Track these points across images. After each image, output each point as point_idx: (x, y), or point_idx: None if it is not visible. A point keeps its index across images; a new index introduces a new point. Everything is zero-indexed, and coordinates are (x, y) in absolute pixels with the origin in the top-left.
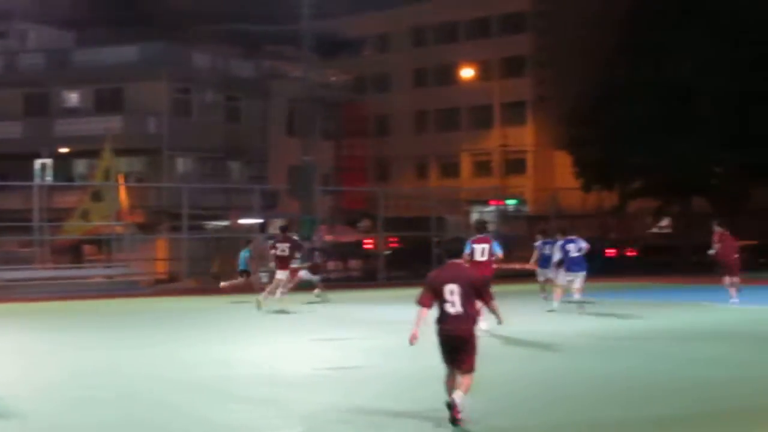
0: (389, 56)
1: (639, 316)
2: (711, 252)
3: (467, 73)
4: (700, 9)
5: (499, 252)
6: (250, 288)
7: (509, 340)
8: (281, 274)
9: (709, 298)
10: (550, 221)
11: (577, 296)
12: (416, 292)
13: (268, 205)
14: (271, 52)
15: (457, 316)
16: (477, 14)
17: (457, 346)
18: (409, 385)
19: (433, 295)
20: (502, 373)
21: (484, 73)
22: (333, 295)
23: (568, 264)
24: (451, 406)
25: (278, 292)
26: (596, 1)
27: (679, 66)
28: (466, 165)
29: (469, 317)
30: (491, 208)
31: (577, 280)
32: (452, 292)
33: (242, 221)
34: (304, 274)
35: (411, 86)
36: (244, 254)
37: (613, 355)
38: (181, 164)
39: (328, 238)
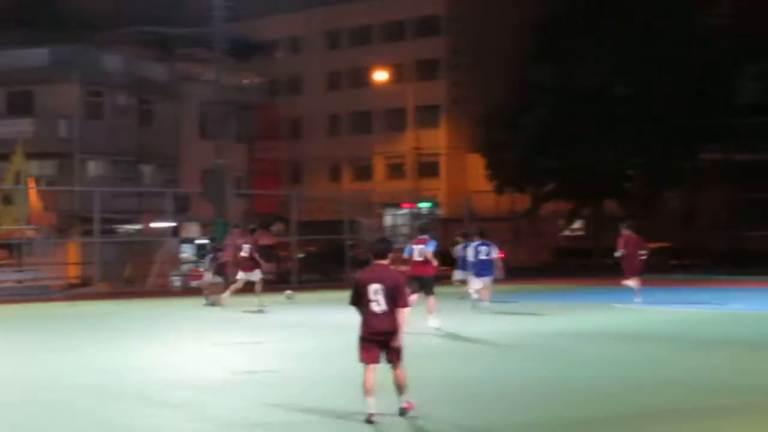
0: (303, 59)
1: (551, 318)
2: (617, 254)
3: (381, 76)
4: (614, 13)
5: (428, 250)
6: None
7: (436, 342)
8: (245, 275)
9: (620, 299)
10: (465, 224)
11: (475, 296)
12: (330, 295)
13: (181, 209)
14: (183, 55)
15: (382, 315)
16: (391, 17)
17: (385, 343)
18: (322, 388)
19: (360, 295)
20: (434, 374)
21: (398, 76)
22: (246, 298)
23: (476, 267)
24: (403, 411)
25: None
26: (510, 5)
27: (593, 70)
28: (379, 168)
29: (394, 314)
30: (404, 210)
31: (482, 283)
32: (376, 292)
33: (154, 225)
34: (209, 276)
35: (324, 89)
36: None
37: (536, 357)
38: (93, 167)
39: (240, 241)
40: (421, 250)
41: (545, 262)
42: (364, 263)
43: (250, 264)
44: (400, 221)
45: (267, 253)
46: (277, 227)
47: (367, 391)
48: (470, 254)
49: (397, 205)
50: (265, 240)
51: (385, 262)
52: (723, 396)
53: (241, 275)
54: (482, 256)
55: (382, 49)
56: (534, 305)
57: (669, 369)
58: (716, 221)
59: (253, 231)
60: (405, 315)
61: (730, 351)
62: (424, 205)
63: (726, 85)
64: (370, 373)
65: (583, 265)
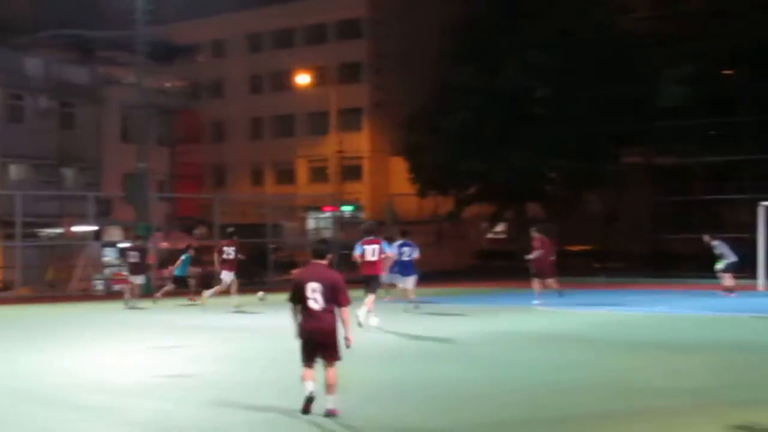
0: (225, 62)
1: (474, 320)
2: (530, 257)
3: (303, 79)
4: (533, 15)
5: (388, 250)
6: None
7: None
8: (227, 276)
9: (544, 302)
10: (388, 227)
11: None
12: (250, 299)
13: (103, 213)
14: (105, 58)
15: (319, 312)
16: (313, 20)
17: (322, 341)
18: (242, 391)
19: (298, 293)
20: (358, 376)
21: (320, 80)
22: (170, 302)
23: (399, 267)
24: (330, 413)
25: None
26: (431, 9)
27: (513, 72)
28: (302, 171)
29: (331, 313)
30: (327, 214)
31: (408, 282)
32: (314, 290)
33: (76, 229)
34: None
35: (247, 92)
36: (185, 259)
37: (459, 359)
38: (15, 171)
39: (164, 245)
40: (374, 250)
41: (468, 264)
42: (286, 266)
43: (229, 265)
44: (322, 224)
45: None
46: (199, 231)
47: (306, 379)
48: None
49: (320, 209)
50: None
51: (323, 262)
52: (645, 398)
53: (225, 275)
54: (405, 257)
55: (304, 53)
56: (457, 308)
57: (591, 371)
58: (638, 224)
59: (230, 234)
60: (347, 313)
61: (653, 353)
62: (347, 209)
63: (648, 89)
64: (308, 371)
65: (506, 267)
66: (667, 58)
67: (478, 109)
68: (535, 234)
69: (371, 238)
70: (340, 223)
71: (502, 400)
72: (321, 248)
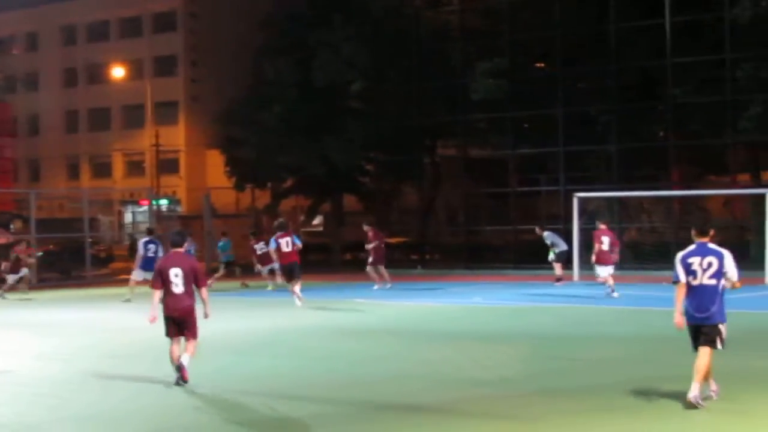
0: (38, 55)
1: (287, 314)
2: (368, 247)
3: (118, 72)
4: (345, 11)
5: (299, 242)
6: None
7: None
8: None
9: (363, 295)
10: (206, 221)
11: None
12: (70, 293)
13: None
14: None
15: (181, 295)
16: (128, 13)
17: (183, 319)
18: (65, 388)
19: (161, 279)
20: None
21: (136, 73)
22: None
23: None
24: (180, 368)
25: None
26: (246, 2)
27: (326, 65)
28: (118, 165)
29: (191, 295)
30: (143, 208)
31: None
32: (176, 275)
33: None
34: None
35: (61, 85)
36: (224, 246)
37: (270, 353)
38: None
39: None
40: (288, 242)
41: None
42: (103, 261)
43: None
44: (139, 218)
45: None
46: (15, 226)
47: (174, 359)
48: (140, 250)
49: (136, 202)
50: (2, 239)
51: (181, 250)
52: (459, 389)
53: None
54: (150, 254)
55: (119, 45)
56: (273, 301)
57: (406, 363)
58: (453, 216)
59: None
60: (206, 292)
61: (467, 344)
62: (163, 202)
63: (461, 82)
64: (175, 346)
65: (323, 261)
66: (478, 51)
67: (294, 102)
68: (366, 226)
69: (284, 232)
70: (157, 216)
71: (316, 393)
72: (178, 238)
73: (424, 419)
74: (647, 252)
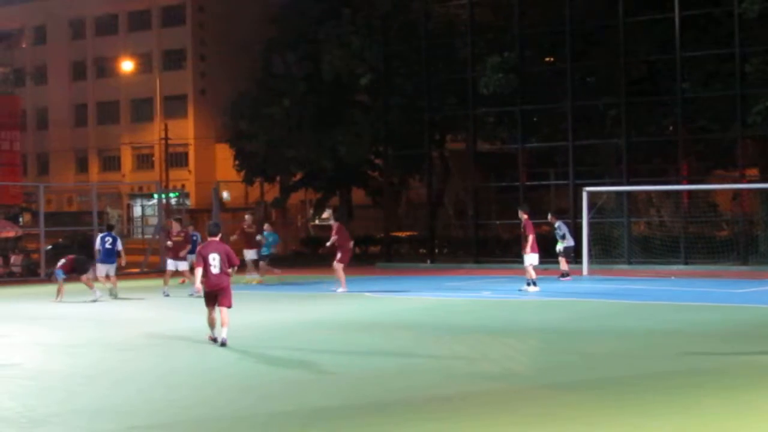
0: (47, 48)
1: (299, 308)
2: (328, 244)
3: (127, 65)
4: (354, 5)
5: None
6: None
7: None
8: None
9: (372, 289)
10: (214, 214)
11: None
12: (77, 286)
13: None
14: None
15: (218, 275)
16: (136, 6)
17: (220, 293)
18: (74, 382)
19: (203, 261)
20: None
21: (144, 66)
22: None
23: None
24: (224, 342)
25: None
26: None
27: (336, 59)
28: (126, 158)
29: (225, 274)
30: (152, 201)
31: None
32: (214, 259)
33: None
34: None
35: (70, 79)
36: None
37: (280, 347)
38: None
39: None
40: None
41: (295, 251)
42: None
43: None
44: (148, 212)
45: (13, 245)
46: (23, 219)
47: (210, 323)
48: (97, 244)
49: (145, 196)
50: (9, 232)
51: (216, 238)
52: (470, 383)
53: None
54: (107, 246)
55: (127, 39)
56: (282, 294)
57: (416, 357)
58: (462, 210)
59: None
60: (231, 271)
61: (477, 338)
62: (172, 196)
63: (470, 76)
64: (212, 313)
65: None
66: (487, 45)
67: (302, 96)
68: (333, 222)
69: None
70: (166, 210)
71: (325, 387)
72: (214, 229)
73: (434, 413)
74: (656, 246)
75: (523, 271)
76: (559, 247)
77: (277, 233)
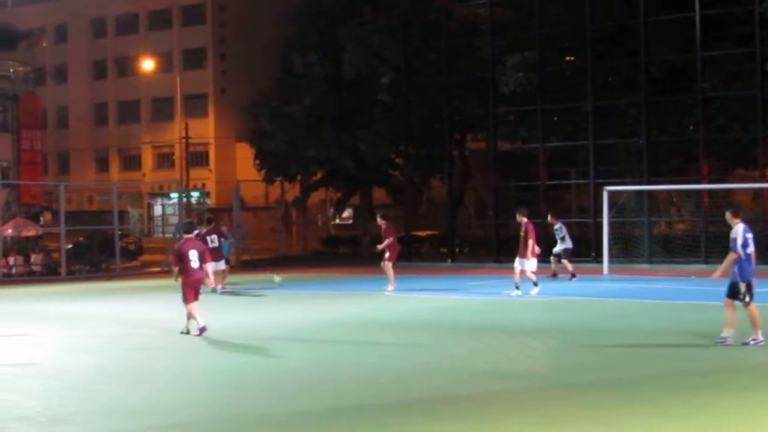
0: (68, 47)
1: (318, 306)
2: (381, 247)
3: (148, 64)
4: (374, 5)
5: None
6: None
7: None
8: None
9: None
10: (235, 213)
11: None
12: (98, 285)
13: None
14: None
15: (198, 269)
16: (157, 5)
17: (199, 286)
18: (94, 381)
19: (185, 257)
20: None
21: (165, 65)
22: (15, 290)
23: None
24: (203, 329)
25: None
26: None
27: (356, 58)
28: (147, 157)
29: (203, 270)
30: (173, 200)
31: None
32: (194, 255)
33: None
34: None
35: (91, 78)
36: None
37: (302, 345)
38: None
39: (9, 233)
40: (214, 239)
41: (315, 250)
42: (133, 253)
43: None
44: (169, 211)
45: (34, 244)
46: (45, 218)
47: (192, 315)
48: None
49: (166, 195)
50: (30, 231)
51: (191, 236)
52: (490, 382)
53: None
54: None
55: (148, 38)
56: (303, 294)
57: (433, 355)
58: (483, 209)
59: (210, 221)
60: (211, 266)
61: (497, 338)
62: (193, 195)
63: (490, 75)
64: (194, 307)
65: (352, 253)
66: (508, 44)
67: (323, 95)
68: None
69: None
70: (187, 209)
71: (345, 385)
72: (189, 227)
73: (453, 412)
74: (676, 246)
75: (524, 271)
76: (558, 248)
77: (234, 239)
